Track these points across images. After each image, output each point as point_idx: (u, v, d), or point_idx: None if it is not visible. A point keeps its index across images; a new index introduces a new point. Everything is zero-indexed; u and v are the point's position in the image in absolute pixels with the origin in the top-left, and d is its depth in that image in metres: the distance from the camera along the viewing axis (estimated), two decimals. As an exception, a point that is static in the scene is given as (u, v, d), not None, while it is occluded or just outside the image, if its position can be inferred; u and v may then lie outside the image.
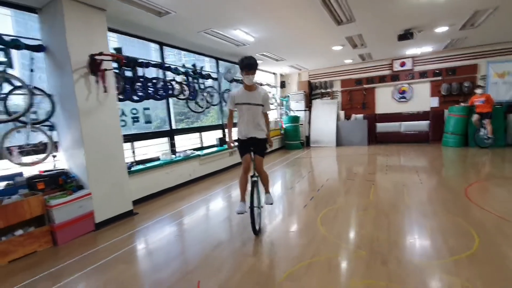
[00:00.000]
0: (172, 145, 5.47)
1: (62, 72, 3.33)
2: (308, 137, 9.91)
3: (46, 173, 3.35)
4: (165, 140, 5.45)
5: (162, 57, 5.33)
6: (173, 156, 5.28)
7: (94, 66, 3.31)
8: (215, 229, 3.32)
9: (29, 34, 3.43)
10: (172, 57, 6.14)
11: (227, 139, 3.17)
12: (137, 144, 4.76)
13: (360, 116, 9.44)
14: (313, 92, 10.23)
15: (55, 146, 3.55)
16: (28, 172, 3.27)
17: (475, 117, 7.12)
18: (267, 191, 3.24)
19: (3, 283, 2.39)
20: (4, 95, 3.01)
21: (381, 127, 9.26)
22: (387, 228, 2.95)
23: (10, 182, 3.03)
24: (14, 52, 3.14)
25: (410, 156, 6.85)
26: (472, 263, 2.21)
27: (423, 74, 8.53)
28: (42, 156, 3.34)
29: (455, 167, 5.71)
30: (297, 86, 10.19)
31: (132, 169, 4.31)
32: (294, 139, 9.31)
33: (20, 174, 3.13)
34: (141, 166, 4.53)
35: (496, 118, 7.17)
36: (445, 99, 8.35)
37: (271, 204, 3.25)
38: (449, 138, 7.84)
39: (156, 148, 5.27)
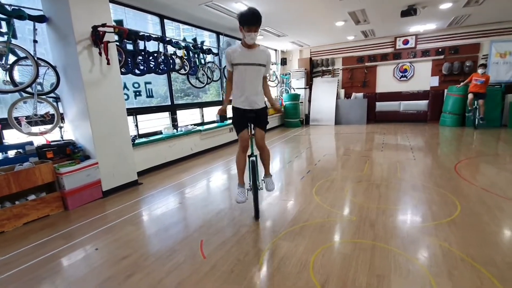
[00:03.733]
0: (174, 119, 5.58)
1: (66, 43, 3.37)
2: (307, 115, 9.99)
3: (54, 143, 3.50)
4: (167, 114, 5.55)
5: (163, 31, 5.30)
6: (175, 130, 5.42)
7: (97, 37, 3.34)
8: (216, 198, 3.52)
9: (29, 4, 3.43)
10: (171, 32, 6.09)
11: (222, 106, 2.68)
12: (140, 117, 4.87)
13: (360, 94, 9.46)
14: (314, 69, 10.17)
15: (62, 117, 3.67)
16: (37, 141, 3.42)
17: (470, 97, 7.15)
18: (267, 173, 2.85)
19: (20, 242, 2.60)
20: (10, 66, 3.08)
21: (380, 106, 9.32)
22: (377, 198, 3.15)
23: (20, 150, 3.18)
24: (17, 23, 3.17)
25: (406, 135, 6.99)
26: (451, 227, 2.42)
27: (425, 53, 8.46)
28: (49, 126, 3.46)
29: (448, 145, 5.87)
30: (298, 63, 10.11)
31: (136, 141, 4.46)
32: (293, 117, 9.40)
33: (31, 143, 3.27)
34: (144, 139, 4.68)
35: (494, 99, 7.23)
36: (446, 79, 8.34)
37: (271, 190, 2.85)
38: (447, 118, 7.94)
39: (159, 122, 5.39)
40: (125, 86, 4.42)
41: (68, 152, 3.52)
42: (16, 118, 3.18)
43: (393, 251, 2.10)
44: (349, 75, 9.67)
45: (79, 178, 3.35)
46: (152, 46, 4.78)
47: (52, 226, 2.92)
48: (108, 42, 3.48)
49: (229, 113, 3.08)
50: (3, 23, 3.07)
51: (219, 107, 2.70)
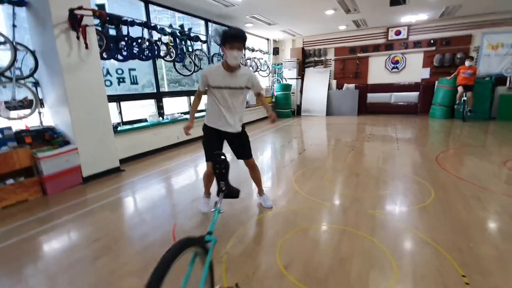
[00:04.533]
0: (160, 107, 5.54)
1: (44, 27, 3.29)
2: (299, 106, 9.97)
3: (33, 128, 3.46)
4: (152, 102, 5.50)
5: (148, 16, 5.20)
6: (161, 118, 5.38)
7: (74, 21, 3.27)
8: (197, 185, 3.53)
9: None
10: (167, 20, 5.98)
11: (188, 124, 2.44)
12: (124, 104, 4.82)
13: (352, 86, 9.44)
14: (306, 60, 10.09)
15: (41, 102, 3.62)
16: (16, 126, 3.38)
17: (460, 90, 7.17)
18: (260, 192, 2.74)
19: (1, 224, 2.60)
20: (-15, 49, 3.02)
21: (372, 97, 9.32)
22: (354, 186, 3.18)
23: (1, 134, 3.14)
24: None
25: (395, 127, 7.02)
26: (422, 214, 2.46)
27: (417, 44, 8.42)
28: (28, 111, 3.42)
29: (434, 137, 5.91)
30: (291, 53, 10.02)
31: (119, 128, 4.43)
32: (285, 107, 9.37)
33: (9, 128, 3.23)
34: (128, 127, 4.65)
35: (484, 91, 7.26)
36: (437, 70, 8.34)
37: (270, 207, 2.68)
38: (436, 110, 7.98)
39: (145, 110, 5.35)
40: (108, 73, 4.36)
41: (47, 137, 3.49)
42: (-6, 103, 3.13)
43: (361, 236, 2.14)
44: (341, 66, 9.62)
45: (58, 163, 3.33)
46: (137, 31, 4.70)
47: (30, 210, 2.92)
48: (86, 25, 3.40)
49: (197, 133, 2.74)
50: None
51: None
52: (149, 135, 4.94)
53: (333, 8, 6.20)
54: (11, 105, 3.30)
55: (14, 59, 3.17)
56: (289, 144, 5.56)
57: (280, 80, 9.83)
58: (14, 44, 3.18)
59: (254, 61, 8.27)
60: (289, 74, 9.85)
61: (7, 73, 3.22)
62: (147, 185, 3.53)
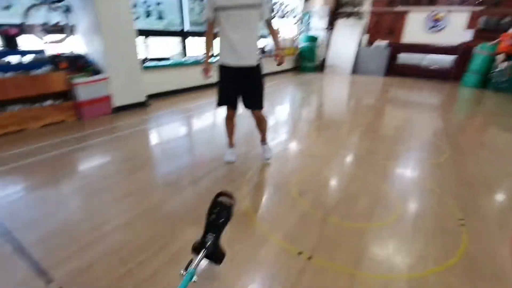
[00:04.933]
0: (184, 47, 5.51)
1: None
2: (324, 61, 9.58)
3: (66, 55, 3.60)
4: (175, 42, 5.46)
5: None
6: (185, 58, 5.39)
7: None
8: (219, 124, 3.70)
9: None
10: None
11: (203, 66, 2.17)
12: (150, 40, 4.83)
13: (384, 43, 8.85)
14: (339, 10, 9.38)
15: (73, 28, 3.70)
16: (51, 51, 3.52)
17: (499, 58, 6.63)
18: (263, 141, 2.52)
19: (41, 139, 2.91)
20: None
21: (403, 58, 8.78)
22: (370, 140, 3.25)
23: (37, 56, 3.31)
24: None
25: (421, 91, 6.76)
26: (433, 168, 2.56)
27: (464, 1, 7.59)
28: (60, 36, 3.53)
29: (461, 104, 5.70)
30: (323, 0, 9.29)
31: (146, 64, 4.52)
32: (309, 60, 9.04)
33: (42, 51, 3.37)
34: (154, 63, 4.72)
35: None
36: (480, 34, 7.63)
37: (269, 158, 2.51)
38: (470, 78, 7.50)
39: (168, 48, 5.34)
40: (135, 5, 4.29)
41: (79, 65, 3.64)
42: (31, 25, 3.24)
43: (370, 180, 2.29)
44: (376, 20, 8.92)
45: (91, 90, 3.53)
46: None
47: (67, 130, 3.21)
48: None
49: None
50: None
51: None
52: (173, 74, 5.03)
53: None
54: (46, 29, 3.40)
55: (47, -19, 3.18)
56: (309, 98, 5.54)
57: (308, 30, 9.31)
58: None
59: (283, 6, 7.79)
60: (319, 24, 9.27)
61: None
62: (171, 120, 3.74)
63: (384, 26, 8.89)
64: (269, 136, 3.17)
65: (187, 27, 5.51)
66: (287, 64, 8.95)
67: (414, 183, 2.28)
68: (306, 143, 3.05)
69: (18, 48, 3.19)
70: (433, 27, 8.23)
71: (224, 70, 2.13)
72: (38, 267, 1.33)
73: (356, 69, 9.09)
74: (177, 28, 5.39)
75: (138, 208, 1.82)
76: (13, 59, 3.12)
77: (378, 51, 8.77)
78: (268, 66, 7.67)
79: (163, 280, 1.28)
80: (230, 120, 2.36)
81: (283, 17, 7.90)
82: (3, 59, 3.03)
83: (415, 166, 2.60)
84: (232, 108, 2.25)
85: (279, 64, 2.10)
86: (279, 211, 1.83)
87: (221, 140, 2.99)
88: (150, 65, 4.58)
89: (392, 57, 8.78)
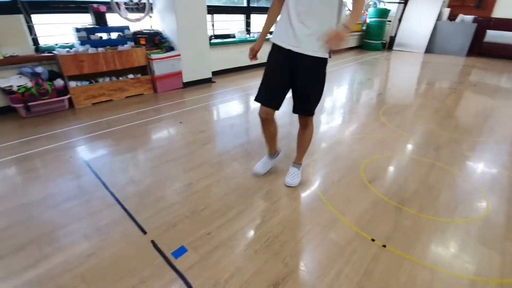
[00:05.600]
0: (248, 24, 5.49)
1: None
2: (393, 38, 8.67)
3: (146, 31, 3.89)
4: (239, 19, 5.46)
5: None
6: (248, 35, 5.39)
7: None
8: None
9: None
10: None
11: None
12: (215, 17, 4.92)
13: (470, 17, 7.60)
14: (417, -21, 8.25)
15: (151, 6, 3.94)
16: (133, 27, 3.83)
17: None
18: (298, 161, 1.89)
19: (125, 109, 3.26)
20: None
21: (492, 35, 7.47)
22: (452, 127, 2.92)
23: (120, 33, 3.64)
24: None
25: (516, 74, 5.73)
26: (533, 166, 2.20)
27: None
28: (142, 14, 3.80)
29: None
30: (399, -31, 8.26)
31: (212, 41, 4.64)
32: (376, 38, 8.28)
33: (128, 28, 3.69)
34: (219, 40, 4.83)
35: None
36: None
37: (292, 185, 1.84)
38: None
39: (233, 24, 5.38)
40: (206, -20, 4.36)
41: (157, 41, 3.91)
42: (117, 3, 3.54)
43: (452, 172, 2.08)
44: (463, -10, 7.66)
45: (166, 66, 3.79)
46: None
47: (146, 101, 3.54)
48: None
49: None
50: None
51: None
52: (236, 52, 5.09)
53: None
54: (129, 7, 3.69)
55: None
56: (375, 79, 5.13)
57: (377, 3, 8.45)
58: None
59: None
60: (391, -3, 8.33)
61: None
62: (234, 97, 3.84)
63: (473, -3, 7.59)
64: (329, 119, 3.09)
65: (252, 3, 5.45)
66: (351, 41, 8.34)
67: (506, 181, 2.00)
68: (374, 127, 2.87)
69: (107, 24, 3.54)
70: (541, -4, 6.75)
71: (275, 52, 1.53)
72: (135, 220, 1.54)
73: (431, 48, 8.06)
74: (242, 3, 5.36)
75: (213, 177, 1.95)
76: (103, 35, 3.49)
77: (462, 27, 7.60)
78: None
79: (239, 244, 1.38)
80: (267, 123, 1.70)
81: (351, -11, 7.25)
82: (96, 34, 3.40)
83: (506, 161, 2.27)
84: (270, 106, 1.61)
85: (330, 52, 1.46)
86: (349, 195, 1.79)
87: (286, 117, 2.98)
88: (216, 42, 4.70)
89: (479, 35, 7.53)
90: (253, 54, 1.68)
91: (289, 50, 1.45)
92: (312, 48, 1.42)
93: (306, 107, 1.62)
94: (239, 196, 1.75)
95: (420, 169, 2.12)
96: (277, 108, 1.62)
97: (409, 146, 2.50)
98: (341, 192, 1.82)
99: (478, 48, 7.72)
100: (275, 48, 1.52)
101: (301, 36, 1.40)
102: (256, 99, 1.62)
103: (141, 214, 1.58)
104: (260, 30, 1.70)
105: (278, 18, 1.55)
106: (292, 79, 1.53)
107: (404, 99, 3.86)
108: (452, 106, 3.60)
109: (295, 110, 1.65)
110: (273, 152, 1.93)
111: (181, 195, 1.77)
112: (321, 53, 1.44)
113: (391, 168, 2.12)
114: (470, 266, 1.30)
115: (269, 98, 1.60)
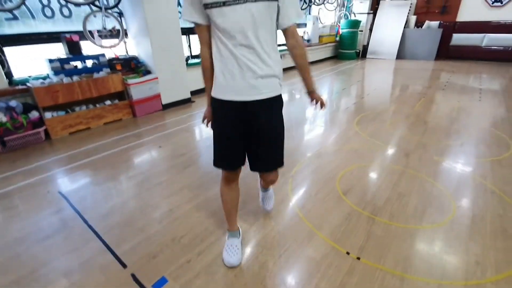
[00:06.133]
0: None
1: (125, -45, 3.44)
2: (365, 47, 9.08)
3: (121, 57, 3.92)
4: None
5: None
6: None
7: None
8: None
9: None
10: None
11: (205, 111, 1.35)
12: (191, 38, 5.02)
13: (435, 23, 8.09)
14: (383, -10, 8.74)
15: (125, 32, 4.00)
16: (108, 54, 3.86)
17: None
18: (266, 184, 1.68)
19: (103, 136, 3.25)
20: (80, -21, 3.33)
21: (457, 39, 7.96)
22: (421, 133, 3.08)
23: (95, 61, 3.67)
24: None
25: (480, 75, 6.10)
26: (494, 166, 2.36)
27: (538, -32, 6.58)
28: (116, 40, 3.84)
29: (531, 89, 5.05)
30: (366, -18, 8.72)
31: (189, 62, 4.72)
32: (349, 47, 8.63)
33: (103, 55, 3.72)
34: (196, 60, 4.91)
35: None
36: (557, 5, 6.59)
37: (268, 209, 1.81)
38: (541, 57, 6.58)
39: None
40: (178, 4, 4.48)
41: (133, 66, 3.95)
42: (90, 31, 3.58)
43: (421, 178, 2.20)
44: (426, -2, 8.16)
45: (143, 90, 3.82)
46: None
47: (125, 127, 3.54)
48: (164, -47, 3.44)
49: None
50: None
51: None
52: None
53: None
54: (102, 34, 3.73)
55: (102, -11, 3.46)
56: (351, 88, 5.34)
57: (348, 15, 8.86)
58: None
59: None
60: (360, 7, 8.77)
61: (97, 3, 3.56)
62: (215, 115, 3.90)
63: (436, 4, 8.12)
64: (306, 131, 3.20)
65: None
66: (326, 52, 8.66)
67: (472, 182, 2.13)
68: (349, 137, 2.99)
69: (81, 53, 3.56)
70: (496, 1, 7.30)
71: (222, 107, 1.22)
72: (114, 254, 1.54)
73: (402, 54, 8.49)
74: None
75: (194, 201, 1.98)
76: (78, 64, 3.50)
77: (429, 33, 8.06)
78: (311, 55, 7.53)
79: (219, 270, 1.41)
80: (229, 188, 1.45)
81: (322, 3, 7.60)
82: (70, 64, 3.40)
83: (472, 163, 2.42)
84: (234, 170, 1.38)
85: (321, 107, 1.41)
86: (325, 209, 1.86)
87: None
88: (193, 62, 4.78)
89: (445, 39, 8.01)
90: (209, 121, 1.35)
91: (242, 102, 1.16)
92: (268, 88, 1.18)
93: (275, 157, 1.33)
94: (219, 220, 1.78)
95: (391, 176, 2.23)
96: (243, 164, 1.36)
97: (381, 155, 2.62)
98: (318, 206, 1.89)
99: (446, 52, 8.18)
100: (221, 103, 1.21)
101: (253, 79, 1.14)
102: (217, 165, 1.35)
103: (121, 247, 1.59)
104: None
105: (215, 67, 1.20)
106: (249, 130, 1.24)
107: (377, 107, 4.04)
108: (421, 111, 3.79)
109: (259, 167, 1.35)
110: (236, 227, 1.58)
111: (161, 223, 1.78)
112: (278, 89, 1.22)
113: (364, 178, 2.22)
114: (437, 270, 1.38)
115: (232, 160, 1.32)
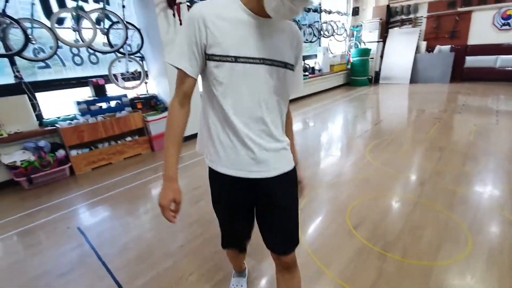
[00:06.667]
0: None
1: (147, 8, 3.84)
2: (378, 73, 9.16)
3: (142, 96, 4.23)
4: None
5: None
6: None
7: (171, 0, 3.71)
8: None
9: (118, -28, 3.94)
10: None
11: (161, 189, 0.95)
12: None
13: (447, 47, 8.12)
14: (391, 19, 8.99)
15: (146, 74, 4.34)
16: (130, 94, 4.18)
17: None
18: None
19: (123, 171, 3.43)
20: (106, 30, 3.73)
21: (471, 61, 7.89)
22: (436, 160, 3.01)
23: (119, 101, 3.97)
24: (109, -9, 3.73)
25: (497, 97, 5.94)
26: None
27: (547, -10, 6.59)
28: (138, 82, 4.17)
29: (555, 109, 4.84)
30: (373, 12, 9.03)
31: (204, 96, 4.99)
32: (361, 74, 8.76)
33: (125, 96, 4.03)
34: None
35: None
36: None
37: None
38: None
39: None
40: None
41: (152, 104, 4.23)
42: (114, 75, 3.92)
43: (436, 209, 2.13)
44: (435, 24, 8.28)
45: (162, 126, 4.05)
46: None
47: (143, 161, 3.72)
48: (180, 3, 3.82)
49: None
50: (99, -8, 3.65)
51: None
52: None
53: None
54: (125, 77, 4.07)
55: (126, 37, 3.83)
56: (364, 114, 5.36)
57: (358, 44, 9.09)
58: (125, 23, 3.81)
59: (331, 25, 7.82)
60: (369, 37, 8.99)
61: (121, 50, 3.94)
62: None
63: (445, 30, 8.20)
64: (317, 161, 3.20)
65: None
66: (338, 80, 8.82)
67: (490, 214, 2.04)
68: (361, 167, 2.97)
69: (106, 94, 3.88)
70: (504, 24, 7.30)
71: (225, 183, 1.02)
72: (127, 290, 1.59)
73: (415, 78, 8.47)
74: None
75: (203, 236, 2.02)
76: (103, 104, 3.81)
77: (441, 56, 8.07)
78: (316, 84, 7.72)
79: (228, 310, 1.41)
80: (235, 259, 1.44)
81: (332, 35, 7.91)
82: (96, 105, 3.71)
83: (490, 192, 2.32)
84: (242, 249, 1.33)
85: (301, 193, 1.16)
86: (335, 244, 1.83)
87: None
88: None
89: (458, 62, 7.97)
90: (175, 212, 0.97)
91: (250, 179, 0.96)
92: (282, 162, 1.00)
93: (289, 237, 1.06)
94: (224, 259, 1.79)
95: (404, 208, 2.17)
96: (250, 238, 1.25)
97: (394, 184, 2.57)
98: (327, 241, 1.87)
99: (460, 74, 8.09)
100: (223, 179, 0.99)
101: (265, 154, 0.94)
102: (225, 247, 1.29)
103: (133, 283, 1.63)
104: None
105: (209, 129, 0.98)
106: (260, 208, 1.06)
107: (391, 134, 4.01)
108: (436, 136, 3.72)
109: (278, 248, 1.08)
110: (243, 267, 1.58)
111: (172, 258, 1.83)
112: (292, 161, 1.04)
113: (376, 210, 2.18)
114: (454, 312, 1.30)
115: (239, 239, 1.25)
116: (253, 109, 0.90)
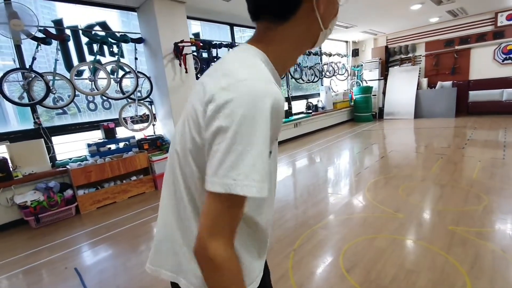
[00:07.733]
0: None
1: (156, 58, 4.24)
2: (381, 109, 9.32)
3: (149, 137, 4.47)
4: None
5: (233, 37, 5.90)
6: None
7: (178, 51, 4.09)
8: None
9: (131, 30, 4.43)
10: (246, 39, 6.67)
11: None
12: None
13: (448, 83, 8.28)
14: (390, 58, 9.36)
15: (154, 117, 4.63)
16: (137, 136, 4.43)
17: None
18: None
19: (127, 209, 3.52)
20: (119, 79, 4.10)
21: (475, 95, 7.96)
22: (436, 198, 2.96)
23: (127, 142, 4.20)
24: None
25: (505, 130, 5.88)
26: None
27: (541, 28, 6.81)
28: (145, 124, 4.44)
29: None
30: (372, 53, 9.47)
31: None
32: (364, 111, 8.92)
33: (133, 137, 4.27)
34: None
35: None
36: None
37: None
38: None
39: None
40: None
41: (158, 144, 4.44)
42: (124, 118, 4.21)
43: (434, 251, 2.06)
44: (434, 62, 8.55)
45: (165, 165, 4.19)
46: (224, 51, 5.42)
47: (147, 200, 3.81)
48: (186, 54, 4.20)
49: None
50: (115, 46, 4.08)
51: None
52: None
53: (420, 1, 5.68)
54: (134, 120, 4.35)
55: (136, 85, 4.18)
56: (366, 150, 5.38)
57: (360, 82, 9.41)
58: (136, 72, 4.19)
59: (332, 66, 8.22)
60: (370, 75, 9.34)
61: (132, 96, 4.27)
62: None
63: (445, 67, 8.43)
64: (313, 199, 3.20)
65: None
66: (342, 116, 8.99)
67: (491, 256, 1.96)
68: (359, 205, 2.94)
69: (115, 136, 4.13)
70: (506, 59, 7.46)
71: None
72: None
73: (420, 113, 8.55)
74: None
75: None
76: (112, 146, 4.04)
77: (444, 91, 8.20)
78: (321, 121, 7.89)
79: None
80: None
81: (333, 75, 8.28)
82: (105, 146, 3.94)
83: (492, 233, 2.25)
84: None
85: None
86: (326, 288, 1.79)
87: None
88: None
89: (462, 96, 8.05)
90: None
91: None
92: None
93: None
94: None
95: (401, 250, 2.12)
96: None
97: (391, 225, 2.52)
98: (319, 285, 1.83)
99: (465, 108, 8.12)
100: None
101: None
102: None
103: (119, 329, 1.62)
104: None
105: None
106: None
107: (391, 171, 3.99)
108: (438, 174, 3.68)
109: None
110: None
111: (162, 302, 1.82)
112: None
113: (370, 252, 2.13)
114: None
115: None
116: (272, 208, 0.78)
